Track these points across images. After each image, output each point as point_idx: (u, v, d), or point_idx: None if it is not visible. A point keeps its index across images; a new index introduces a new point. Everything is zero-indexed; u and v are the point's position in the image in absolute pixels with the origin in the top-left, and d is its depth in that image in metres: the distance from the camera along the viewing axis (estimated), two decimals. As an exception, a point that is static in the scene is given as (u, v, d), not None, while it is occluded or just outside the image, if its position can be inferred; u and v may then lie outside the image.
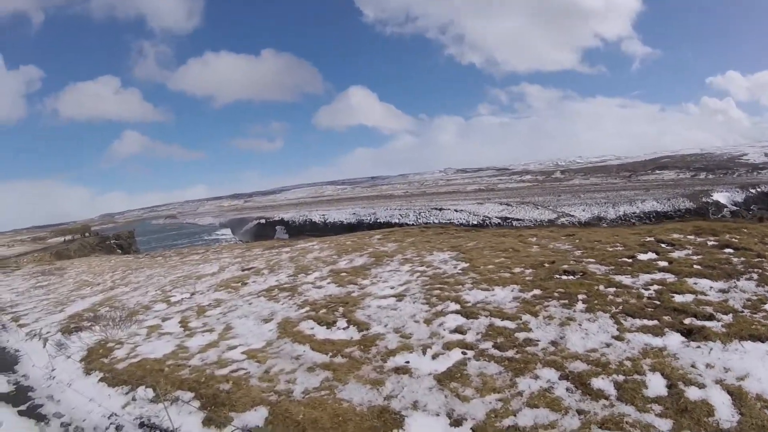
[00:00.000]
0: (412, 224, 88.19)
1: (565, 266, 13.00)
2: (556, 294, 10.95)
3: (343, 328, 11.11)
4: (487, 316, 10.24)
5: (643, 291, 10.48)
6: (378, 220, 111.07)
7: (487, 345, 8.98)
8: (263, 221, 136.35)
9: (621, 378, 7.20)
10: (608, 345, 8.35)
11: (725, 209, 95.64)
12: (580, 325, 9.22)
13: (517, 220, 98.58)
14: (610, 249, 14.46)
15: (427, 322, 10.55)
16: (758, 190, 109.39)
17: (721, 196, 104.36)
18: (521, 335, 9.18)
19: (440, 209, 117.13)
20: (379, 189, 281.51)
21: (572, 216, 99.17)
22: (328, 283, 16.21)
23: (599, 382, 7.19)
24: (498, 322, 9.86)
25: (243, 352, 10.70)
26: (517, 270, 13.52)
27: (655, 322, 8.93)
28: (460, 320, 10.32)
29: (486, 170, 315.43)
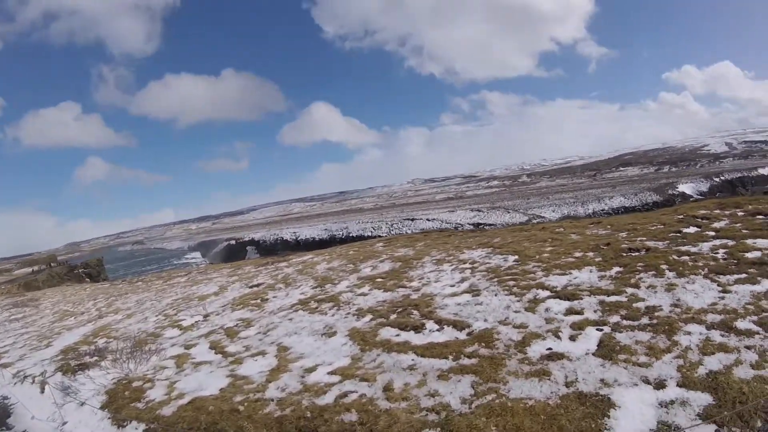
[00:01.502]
0: (386, 236, 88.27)
1: (625, 245, 13.33)
2: (638, 267, 11.15)
3: (438, 330, 10.10)
4: (589, 295, 10.15)
5: (714, 254, 11.04)
6: (351, 234, 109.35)
7: (616, 318, 8.85)
8: (233, 242, 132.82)
9: (755, 317, 7.70)
10: (722, 298, 8.73)
11: (691, 199, 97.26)
12: (684, 288, 9.51)
13: (490, 225, 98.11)
14: (652, 228, 14.95)
15: (530, 310, 10.13)
16: (722, 178, 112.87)
17: (686, 187, 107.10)
18: (639, 305, 9.22)
19: (412, 219, 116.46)
20: (349, 203, 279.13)
21: (543, 217, 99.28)
22: (370, 289, 15.25)
23: (742, 324, 7.57)
24: (607, 298, 9.81)
25: (330, 373, 9.09)
26: (578, 254, 13.58)
27: (744, 274, 9.49)
28: (564, 303, 10.07)
29: (453, 179, 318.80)
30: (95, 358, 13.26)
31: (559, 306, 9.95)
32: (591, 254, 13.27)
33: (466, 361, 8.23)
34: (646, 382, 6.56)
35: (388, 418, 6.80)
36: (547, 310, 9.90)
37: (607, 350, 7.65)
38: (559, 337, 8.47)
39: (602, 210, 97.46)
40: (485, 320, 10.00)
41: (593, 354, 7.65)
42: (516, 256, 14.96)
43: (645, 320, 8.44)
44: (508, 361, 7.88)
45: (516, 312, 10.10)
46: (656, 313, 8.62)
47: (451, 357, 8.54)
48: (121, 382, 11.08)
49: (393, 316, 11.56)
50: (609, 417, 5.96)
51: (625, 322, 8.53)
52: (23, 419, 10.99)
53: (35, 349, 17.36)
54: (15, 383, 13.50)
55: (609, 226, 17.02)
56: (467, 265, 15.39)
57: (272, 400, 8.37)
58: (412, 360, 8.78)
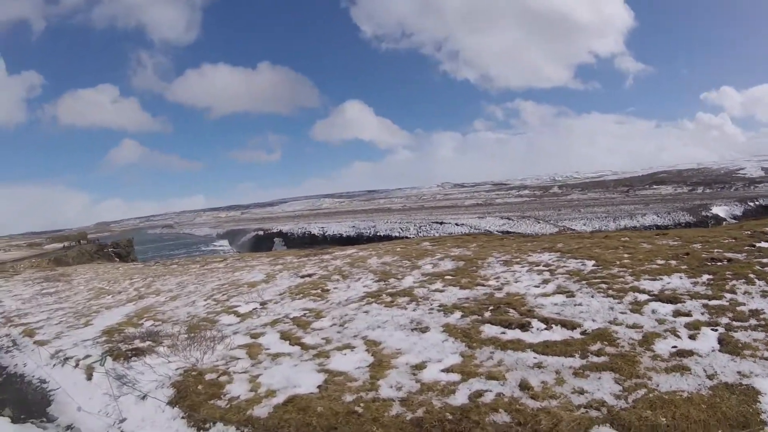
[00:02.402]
0: (413, 237, 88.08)
1: (704, 255, 13.32)
2: (728, 276, 11.14)
3: (546, 329, 9.58)
4: (690, 299, 10.08)
5: None
6: (378, 233, 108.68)
7: (725, 320, 8.87)
8: (261, 233, 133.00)
9: None
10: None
11: (724, 222, 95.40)
12: None
13: (519, 234, 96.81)
14: (724, 241, 14.95)
15: (636, 311, 9.88)
16: (756, 203, 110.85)
17: (720, 210, 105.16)
18: (742, 308, 9.26)
19: (441, 223, 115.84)
20: (377, 202, 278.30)
21: (574, 230, 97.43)
22: (444, 286, 14.31)
23: None
24: (709, 302, 9.77)
25: (445, 370, 8.19)
26: (660, 262, 13.43)
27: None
28: (668, 306, 9.90)
29: (483, 185, 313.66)
30: (148, 342, 11.67)
31: (664, 308, 9.77)
32: (674, 262, 13.12)
33: (596, 359, 7.84)
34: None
35: (549, 416, 6.24)
36: (653, 311, 9.71)
37: (731, 347, 7.65)
38: (678, 337, 8.36)
39: (633, 227, 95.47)
40: (593, 320, 9.65)
41: (719, 351, 7.63)
42: (593, 261, 14.60)
43: (753, 321, 8.60)
44: (640, 358, 7.61)
45: (622, 313, 9.84)
46: (761, 316, 8.78)
47: (577, 355, 8.12)
48: (189, 373, 9.49)
49: (487, 314, 10.88)
50: (760, 402, 6.07)
51: (735, 323, 8.61)
52: (68, 410, 9.41)
53: (73, 327, 15.99)
54: (54, 365, 12.01)
55: (677, 238, 16.82)
56: (542, 267, 14.84)
57: (393, 400, 7.29)
58: (535, 358, 8.23)
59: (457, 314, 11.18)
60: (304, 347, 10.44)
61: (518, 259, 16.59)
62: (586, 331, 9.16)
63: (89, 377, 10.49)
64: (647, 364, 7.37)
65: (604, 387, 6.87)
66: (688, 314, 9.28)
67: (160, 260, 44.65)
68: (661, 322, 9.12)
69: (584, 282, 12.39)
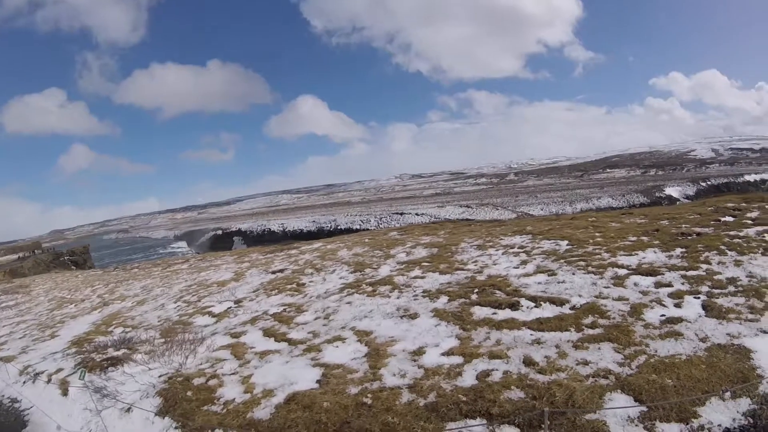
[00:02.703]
0: (374, 229, 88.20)
1: (673, 231, 13.57)
2: (699, 248, 11.37)
3: (536, 307, 9.62)
4: (669, 271, 10.28)
5: (762, 237, 11.49)
6: (339, 227, 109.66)
7: (705, 288, 9.11)
8: (220, 232, 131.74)
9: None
10: (796, 268, 9.41)
11: (678, 203, 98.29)
12: (750, 263, 9.90)
13: (479, 221, 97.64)
14: (690, 217, 15.16)
15: (619, 285, 10.05)
16: (708, 183, 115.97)
17: (673, 191, 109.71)
18: (719, 277, 9.54)
19: (401, 213, 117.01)
20: (336, 196, 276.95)
21: (532, 215, 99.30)
22: (423, 272, 14.13)
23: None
24: (687, 273, 10.01)
25: (445, 354, 8.14)
26: (632, 238, 13.63)
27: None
28: (649, 278, 10.07)
29: (441, 175, 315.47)
30: (123, 350, 11.08)
31: (645, 281, 9.95)
32: (645, 238, 13.35)
33: (591, 331, 8.00)
34: (764, 331, 7.10)
35: (561, 388, 6.28)
36: (636, 284, 9.88)
37: (715, 312, 7.97)
38: (664, 306, 8.59)
39: (590, 209, 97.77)
40: (580, 296, 9.77)
41: (706, 316, 7.94)
42: (566, 241, 14.72)
43: (732, 288, 8.88)
44: (633, 328, 7.82)
45: (606, 288, 9.97)
46: (738, 283, 9.07)
47: (572, 329, 8.24)
48: (174, 379, 8.96)
49: (474, 296, 10.82)
50: (752, 359, 6.41)
51: (715, 291, 8.87)
52: (46, 430, 8.86)
53: (38, 339, 15.21)
54: (24, 382, 11.28)
55: (643, 216, 17.05)
56: (516, 249, 14.90)
57: (400, 387, 7.09)
58: (532, 335, 8.30)
59: (444, 299, 11.11)
60: (292, 343, 10.13)
61: (491, 243, 16.69)
62: (575, 306, 9.28)
63: (65, 393, 9.80)
64: (641, 333, 7.60)
65: (606, 357, 7.03)
66: (669, 285, 9.53)
67: (119, 266, 43.03)
68: (644, 293, 9.34)
69: (563, 261, 12.52)
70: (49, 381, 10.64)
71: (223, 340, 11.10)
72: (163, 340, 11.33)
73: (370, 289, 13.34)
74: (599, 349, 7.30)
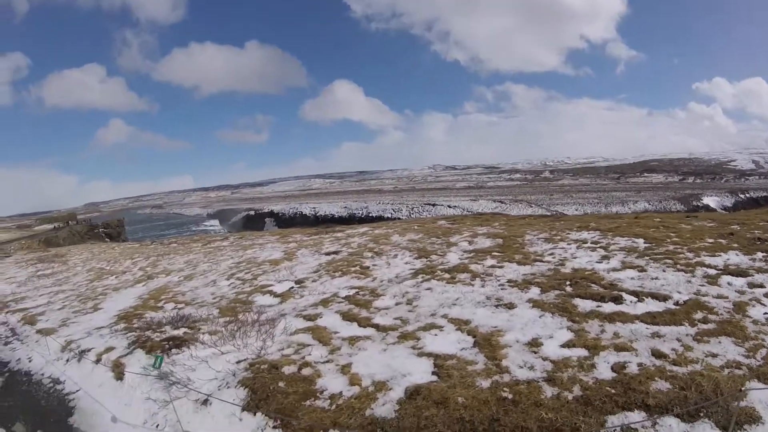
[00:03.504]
0: (405, 218, 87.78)
1: (749, 236, 13.33)
2: None
3: (639, 301, 9.11)
4: (757, 272, 9.94)
5: None
6: (370, 214, 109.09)
7: None
8: (252, 213, 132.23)
9: None
10: None
11: (715, 213, 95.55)
12: None
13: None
14: (761, 224, 14.86)
15: (712, 283, 9.65)
16: (747, 195, 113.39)
17: (711, 200, 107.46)
18: None
19: (433, 204, 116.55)
20: (368, 183, 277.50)
21: (566, 215, 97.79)
22: (499, 262, 13.41)
23: None
24: None
25: (565, 346, 7.47)
26: (710, 240, 13.32)
27: None
28: (740, 279, 9.69)
29: (474, 168, 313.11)
30: (184, 329, 9.83)
31: (737, 281, 9.61)
32: (723, 241, 13.08)
33: (705, 326, 7.69)
34: None
35: (705, 379, 5.93)
36: (729, 284, 9.54)
37: None
38: (764, 305, 8.30)
39: (626, 214, 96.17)
40: (679, 292, 9.38)
41: None
42: (642, 240, 14.25)
43: None
44: (743, 323, 7.58)
45: (702, 286, 9.61)
46: None
47: (686, 323, 7.92)
48: (257, 366, 7.66)
49: (569, 289, 10.29)
50: None
51: None
52: (98, 421, 7.51)
53: (79, 312, 14.18)
54: (67, 360, 10.12)
55: (711, 220, 16.89)
56: (590, 245, 14.38)
57: (536, 381, 6.41)
58: (647, 328, 7.88)
59: (535, 290, 10.45)
60: (381, 329, 9.15)
61: (559, 237, 16.05)
62: (678, 302, 8.90)
63: (119, 377, 8.64)
64: (753, 328, 7.38)
65: (730, 349, 6.80)
66: (761, 286, 9.23)
67: (156, 240, 42.53)
68: (741, 293, 9.02)
69: (647, 258, 12.04)
70: (98, 361, 9.50)
71: (298, 322, 9.93)
72: (226, 319, 10.17)
73: (447, 276, 12.46)
74: (720, 342, 7.07)
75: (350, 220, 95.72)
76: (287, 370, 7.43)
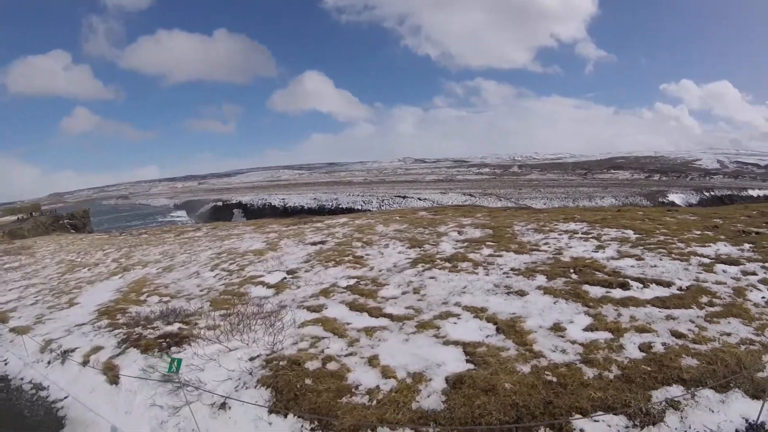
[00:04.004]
0: (375, 210, 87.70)
1: (732, 228, 13.96)
2: (764, 244, 11.64)
3: (645, 287, 9.40)
4: (748, 261, 10.41)
5: None
6: (340, 206, 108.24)
7: None
8: (220, 203, 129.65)
9: None
10: None
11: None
12: None
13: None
14: (741, 218, 15.63)
15: (708, 271, 10.08)
16: (712, 193, 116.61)
17: (676, 197, 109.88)
18: None
19: (404, 197, 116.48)
20: (338, 175, 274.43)
21: (534, 209, 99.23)
22: (496, 251, 13.49)
23: None
24: (765, 264, 10.11)
25: (587, 329, 7.61)
26: (697, 232, 13.87)
27: None
28: (733, 267, 10.14)
29: (444, 161, 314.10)
30: (178, 324, 9.07)
31: (731, 269, 10.04)
32: (710, 233, 13.61)
33: (713, 309, 8.08)
34: None
35: (727, 354, 6.33)
36: (724, 271, 9.97)
37: None
38: (760, 290, 8.71)
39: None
40: (679, 279, 9.73)
41: None
42: (632, 231, 14.67)
43: None
44: (747, 306, 7.97)
45: (699, 273, 10.00)
46: None
47: (694, 306, 8.24)
48: (275, 362, 7.04)
49: (575, 276, 10.45)
50: None
51: None
52: None
53: (55, 307, 13.13)
54: (49, 362, 9.08)
55: (692, 214, 17.51)
56: (582, 235, 14.68)
57: (573, 363, 6.49)
58: (660, 311, 8.16)
59: (542, 277, 10.54)
60: (395, 319, 8.83)
61: (548, 228, 16.29)
62: (681, 287, 9.21)
63: (113, 380, 7.70)
64: (755, 310, 7.76)
65: (740, 328, 7.16)
66: (754, 273, 9.67)
67: (126, 230, 40.95)
68: (737, 279, 9.44)
69: (641, 248, 12.45)
70: (85, 363, 8.57)
71: (302, 314, 9.39)
72: (221, 312, 9.47)
73: (448, 265, 12.38)
74: (729, 323, 7.42)
75: (320, 211, 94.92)
76: (311, 365, 6.89)
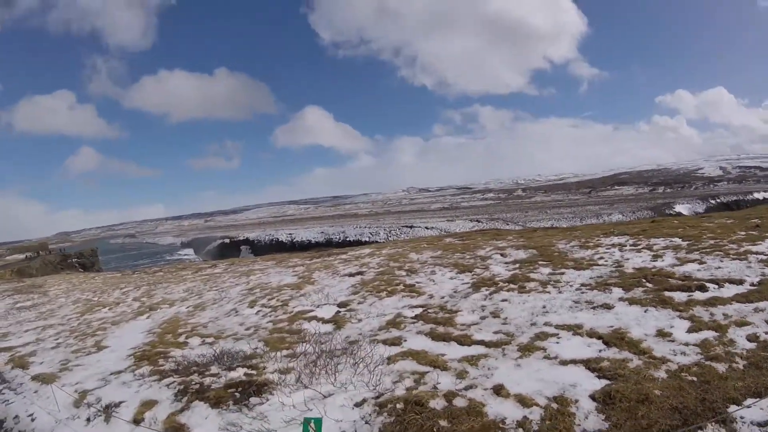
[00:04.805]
0: (383, 241, 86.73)
1: None
2: None
3: (720, 287, 9.36)
4: None
5: None
6: (348, 239, 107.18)
7: None
8: (227, 241, 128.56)
9: None
10: None
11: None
12: None
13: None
14: None
15: None
16: (718, 200, 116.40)
17: (683, 208, 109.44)
18: None
19: (411, 227, 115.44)
20: (343, 208, 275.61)
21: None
22: (555, 270, 12.96)
23: None
24: None
25: (689, 331, 7.47)
26: (742, 233, 14.01)
27: None
28: None
29: (447, 189, 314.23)
30: (243, 370, 7.82)
31: None
32: (754, 232, 13.91)
33: None
34: None
35: None
36: None
37: None
38: None
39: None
40: (748, 276, 9.80)
41: None
42: (679, 239, 14.63)
43: None
44: None
45: (762, 269, 10.09)
46: None
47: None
48: (393, 407, 5.97)
49: (650, 285, 10.20)
50: None
51: None
52: None
53: (81, 351, 11.78)
54: (88, 419, 7.56)
55: (728, 218, 18.24)
56: (630, 247, 14.52)
57: (702, 362, 6.38)
58: (746, 306, 8.23)
59: (617, 290, 10.23)
60: (490, 345, 8.15)
61: (592, 243, 15.96)
62: (752, 283, 9.31)
63: None
64: None
65: None
66: None
67: (138, 269, 39.92)
68: None
69: (697, 252, 12.49)
70: (137, 421, 7.09)
71: (382, 349, 8.37)
72: (284, 353, 8.38)
73: (514, 286, 11.82)
74: None
75: (328, 245, 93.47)
76: (435, 404, 5.95)
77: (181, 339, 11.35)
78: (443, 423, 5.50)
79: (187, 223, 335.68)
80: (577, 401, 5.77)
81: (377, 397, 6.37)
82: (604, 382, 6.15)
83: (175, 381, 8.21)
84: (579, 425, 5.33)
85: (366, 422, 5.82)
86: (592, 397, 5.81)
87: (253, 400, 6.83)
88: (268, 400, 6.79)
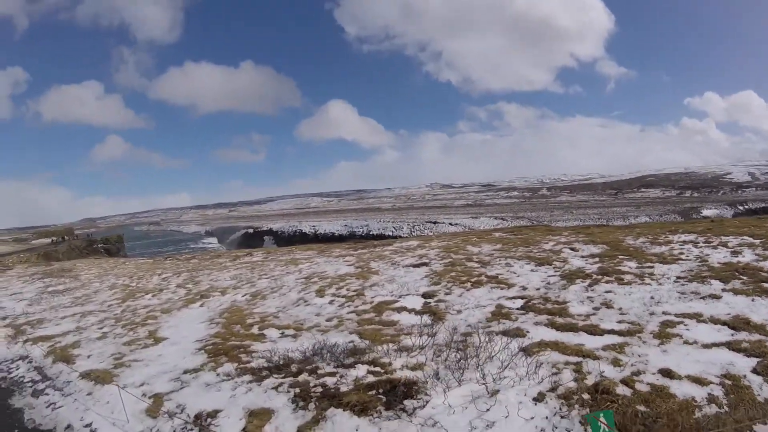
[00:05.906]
0: (407, 236, 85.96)
1: None
2: None
3: None
4: None
5: None
6: (371, 232, 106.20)
7: None
8: (251, 231, 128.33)
9: None
10: None
11: None
12: None
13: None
14: None
15: None
16: (746, 207, 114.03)
17: (710, 213, 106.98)
18: None
19: (435, 222, 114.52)
20: (366, 202, 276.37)
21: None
22: (641, 263, 12.77)
23: None
24: None
25: None
26: None
27: None
28: None
29: (471, 186, 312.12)
30: (365, 367, 6.71)
31: None
32: None
33: None
34: None
35: None
36: None
37: None
38: None
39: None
40: None
41: None
42: (749, 237, 14.64)
43: None
44: None
45: None
46: None
47: None
48: (579, 397, 5.60)
49: (744, 277, 10.25)
50: None
51: None
52: None
53: (134, 343, 10.54)
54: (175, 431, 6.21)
55: (758, 218, 19.56)
56: (704, 244, 14.40)
57: None
58: None
59: (716, 281, 10.24)
60: (622, 334, 7.90)
61: (661, 240, 15.87)
62: None
63: None
64: None
65: None
66: None
67: (171, 255, 39.09)
68: None
69: (749, 246, 13.15)
70: None
71: (511, 341, 7.89)
72: (395, 347, 7.53)
73: (610, 278, 11.58)
74: None
75: (351, 238, 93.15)
76: (621, 391, 5.74)
77: (255, 330, 10.44)
78: (640, 407, 5.35)
79: (212, 213, 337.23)
80: (744, 376, 5.91)
81: (552, 390, 5.88)
82: (755, 359, 6.30)
83: (281, 382, 6.95)
84: (759, 395, 5.48)
85: (561, 417, 5.32)
86: (755, 372, 6.00)
87: (409, 403, 5.72)
88: (427, 402, 5.76)
